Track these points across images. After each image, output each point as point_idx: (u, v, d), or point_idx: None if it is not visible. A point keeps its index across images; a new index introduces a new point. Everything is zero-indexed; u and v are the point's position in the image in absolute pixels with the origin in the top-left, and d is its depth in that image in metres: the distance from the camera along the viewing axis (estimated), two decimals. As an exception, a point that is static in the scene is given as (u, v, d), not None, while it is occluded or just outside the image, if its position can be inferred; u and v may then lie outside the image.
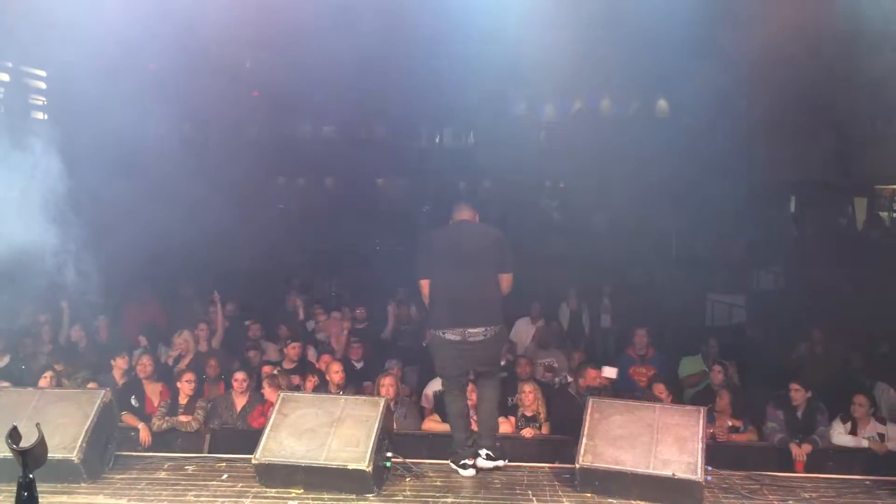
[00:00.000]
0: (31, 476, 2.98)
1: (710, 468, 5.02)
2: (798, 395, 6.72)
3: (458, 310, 5.38)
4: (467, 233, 5.57)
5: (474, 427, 5.77)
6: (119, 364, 7.71)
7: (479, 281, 5.41)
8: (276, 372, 7.61)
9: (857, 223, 14.79)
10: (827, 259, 11.63)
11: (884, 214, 14.84)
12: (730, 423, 6.81)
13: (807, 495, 5.12)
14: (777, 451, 6.44)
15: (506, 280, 5.53)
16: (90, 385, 6.65)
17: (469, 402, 5.87)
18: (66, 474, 5.07)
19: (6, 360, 8.06)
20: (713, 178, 12.73)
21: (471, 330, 5.39)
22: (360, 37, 11.36)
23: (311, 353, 8.67)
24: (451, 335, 5.41)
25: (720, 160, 12.49)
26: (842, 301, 10.53)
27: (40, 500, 4.71)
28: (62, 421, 5.19)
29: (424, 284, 5.55)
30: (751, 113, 13.56)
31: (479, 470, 5.45)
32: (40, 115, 14.64)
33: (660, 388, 7.01)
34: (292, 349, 8.28)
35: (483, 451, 5.49)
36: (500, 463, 5.53)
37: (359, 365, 8.48)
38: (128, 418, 6.71)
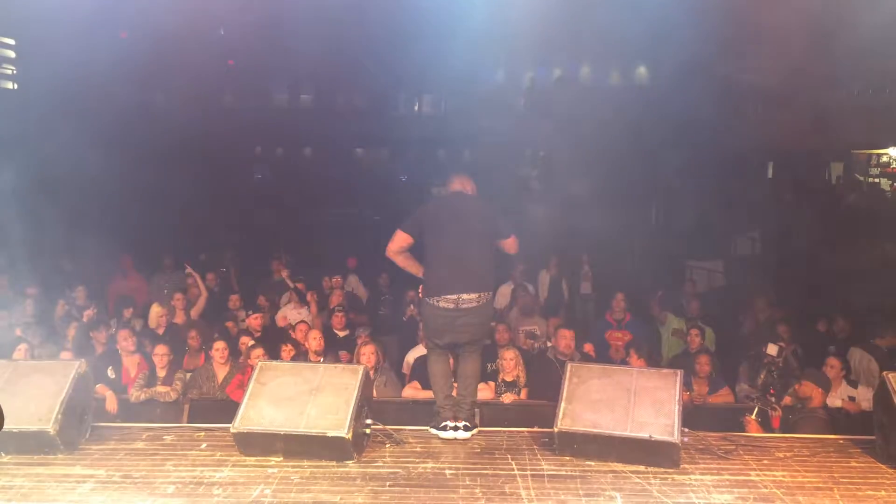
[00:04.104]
0: None
1: (686, 430, 5.07)
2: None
3: (452, 276, 5.39)
4: (463, 204, 5.55)
5: (454, 393, 5.78)
6: (98, 337, 7.65)
7: (474, 250, 5.43)
8: (251, 343, 7.56)
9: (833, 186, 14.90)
10: (804, 224, 11.70)
11: (860, 177, 14.97)
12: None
13: (781, 455, 5.20)
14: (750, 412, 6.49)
15: (511, 243, 5.59)
16: (64, 355, 6.59)
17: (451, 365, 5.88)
18: (43, 445, 5.02)
19: None
20: (692, 145, 12.73)
21: (464, 296, 5.40)
22: (337, 7, 11.19)
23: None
24: (444, 303, 5.41)
25: (699, 126, 12.49)
26: (821, 266, 10.61)
27: (17, 471, 4.77)
28: (37, 392, 5.13)
29: (400, 236, 5.48)
30: (730, 80, 13.53)
31: (458, 438, 5.47)
32: (10, 85, 14.34)
33: (633, 357, 7.06)
34: (254, 320, 8.19)
35: (461, 423, 5.51)
36: (475, 430, 5.57)
37: (342, 333, 8.47)
38: (101, 388, 6.65)
